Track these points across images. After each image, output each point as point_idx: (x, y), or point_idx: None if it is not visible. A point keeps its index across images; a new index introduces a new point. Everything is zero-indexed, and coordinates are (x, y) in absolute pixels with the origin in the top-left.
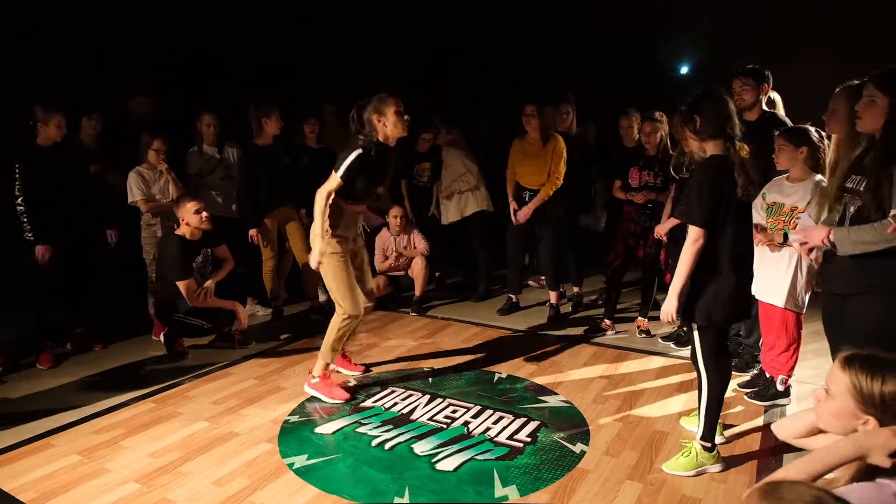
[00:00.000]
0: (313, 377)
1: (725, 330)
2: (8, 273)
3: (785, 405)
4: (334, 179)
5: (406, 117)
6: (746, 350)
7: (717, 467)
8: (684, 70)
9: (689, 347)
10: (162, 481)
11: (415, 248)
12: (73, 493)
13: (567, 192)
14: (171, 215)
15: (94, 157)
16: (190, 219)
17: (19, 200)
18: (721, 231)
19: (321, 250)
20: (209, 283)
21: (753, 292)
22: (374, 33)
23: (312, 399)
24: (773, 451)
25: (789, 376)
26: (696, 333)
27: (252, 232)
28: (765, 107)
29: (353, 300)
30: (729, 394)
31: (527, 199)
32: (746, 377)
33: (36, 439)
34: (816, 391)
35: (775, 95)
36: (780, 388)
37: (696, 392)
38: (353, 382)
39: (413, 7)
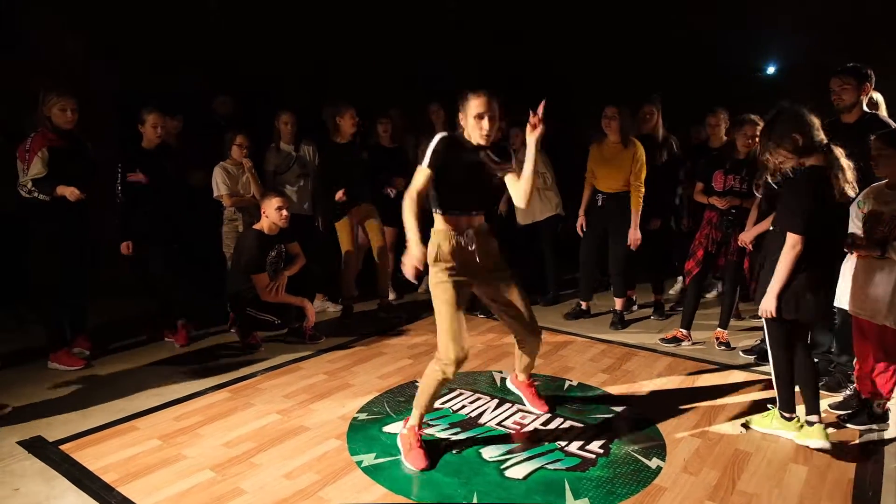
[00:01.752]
0: (404, 428)
1: (802, 327)
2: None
3: (882, 430)
4: (420, 171)
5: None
6: (838, 369)
7: (792, 435)
8: (771, 70)
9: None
10: (235, 471)
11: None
12: (152, 477)
13: (649, 196)
14: (252, 211)
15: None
16: (271, 214)
17: (118, 197)
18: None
19: (431, 285)
20: (281, 277)
21: (847, 307)
22: (442, 36)
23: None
24: (871, 477)
25: (888, 399)
26: (764, 323)
27: (338, 224)
28: (866, 108)
29: (449, 342)
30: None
31: (599, 203)
32: (839, 398)
33: (120, 422)
34: None
35: (878, 96)
36: (877, 411)
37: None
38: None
39: (482, 9)
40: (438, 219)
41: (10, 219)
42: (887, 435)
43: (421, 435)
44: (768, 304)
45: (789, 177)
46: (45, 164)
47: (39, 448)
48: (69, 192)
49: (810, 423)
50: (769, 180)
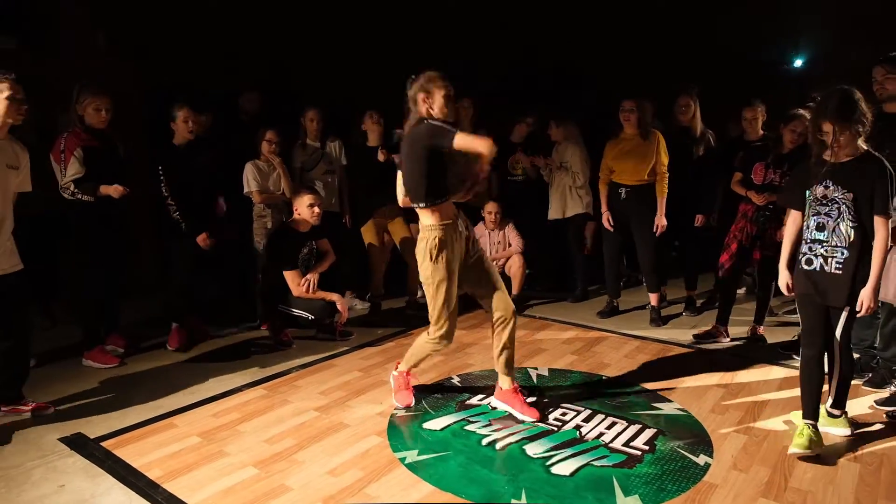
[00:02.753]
0: (395, 370)
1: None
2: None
3: None
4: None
5: (452, 101)
6: (884, 364)
7: (846, 431)
8: (798, 63)
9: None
10: (278, 468)
11: (509, 244)
12: (196, 474)
13: (683, 189)
14: (282, 207)
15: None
16: (303, 211)
17: (169, 199)
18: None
19: (427, 277)
20: (313, 274)
21: (892, 301)
22: (468, 32)
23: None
24: None
25: None
26: (845, 316)
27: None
28: None
29: (446, 322)
30: (864, 410)
31: (622, 196)
32: (885, 394)
33: (159, 419)
34: None
35: None
36: None
37: (828, 380)
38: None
39: (510, 5)
40: (426, 213)
41: (41, 220)
42: None
43: (409, 380)
44: (870, 298)
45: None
46: (81, 163)
47: (81, 445)
48: (113, 190)
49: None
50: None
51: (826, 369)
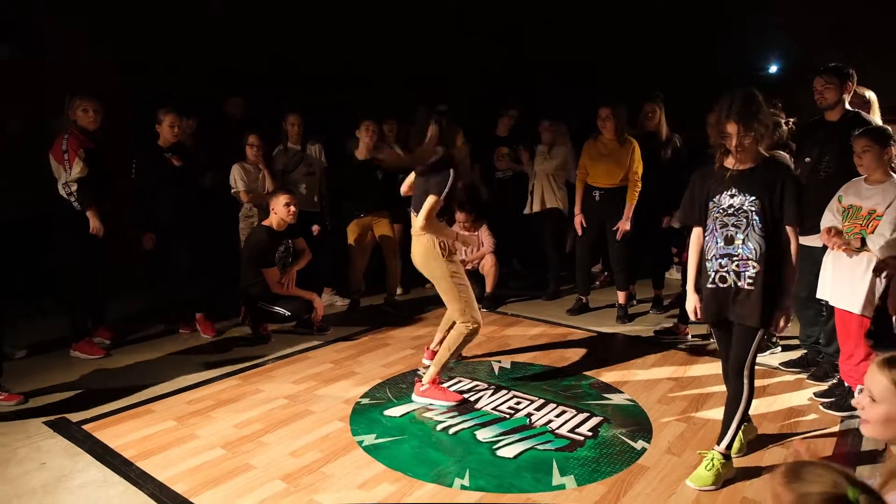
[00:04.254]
0: (423, 385)
1: None
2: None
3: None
4: (435, 201)
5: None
6: (826, 359)
7: (732, 475)
8: (773, 69)
9: (739, 355)
10: (245, 448)
11: (482, 244)
12: (168, 454)
13: (651, 193)
14: (268, 208)
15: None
16: (280, 210)
17: (137, 192)
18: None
19: (441, 274)
20: (291, 272)
21: (828, 299)
22: (454, 30)
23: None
24: (847, 460)
25: None
26: (758, 338)
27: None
28: (848, 106)
29: (477, 310)
30: (803, 402)
31: (596, 198)
32: (824, 387)
33: (138, 405)
34: (858, 399)
35: (871, 95)
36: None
37: (727, 404)
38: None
39: (497, 7)
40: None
41: (32, 219)
42: None
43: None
44: (787, 317)
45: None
46: (85, 164)
47: (64, 428)
48: (94, 224)
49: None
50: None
51: (726, 404)
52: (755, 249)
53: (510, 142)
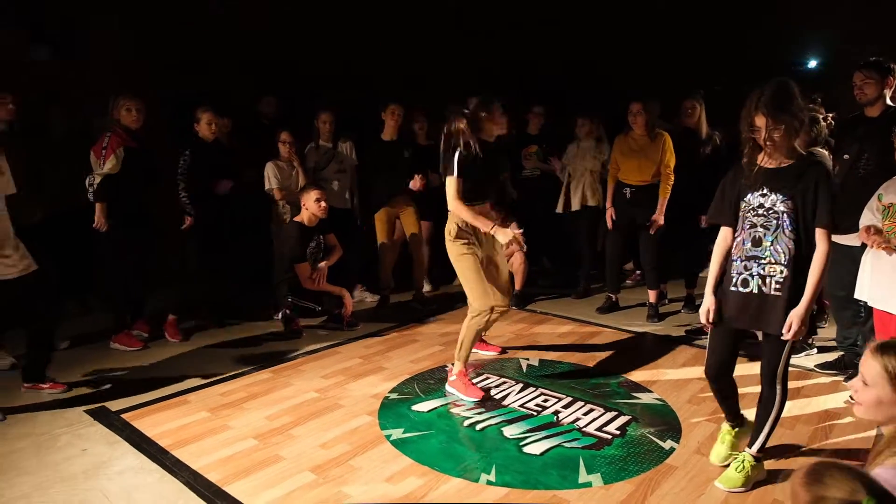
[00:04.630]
0: (451, 376)
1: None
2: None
3: None
4: (451, 182)
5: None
6: None
7: (762, 477)
8: (812, 64)
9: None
10: (275, 440)
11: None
12: (202, 443)
13: (688, 190)
14: (300, 204)
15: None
16: (310, 206)
17: (181, 178)
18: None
19: (453, 256)
20: (322, 266)
21: (867, 299)
22: (486, 26)
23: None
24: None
25: None
26: (787, 350)
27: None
28: (889, 101)
29: (482, 296)
30: (839, 405)
31: (627, 195)
32: None
33: (174, 396)
34: (852, 382)
35: None
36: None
37: (760, 408)
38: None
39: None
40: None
41: (80, 215)
42: None
43: (469, 375)
44: (801, 320)
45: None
46: (119, 161)
47: (104, 416)
48: (98, 219)
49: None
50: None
51: (758, 407)
52: (784, 253)
53: (541, 140)
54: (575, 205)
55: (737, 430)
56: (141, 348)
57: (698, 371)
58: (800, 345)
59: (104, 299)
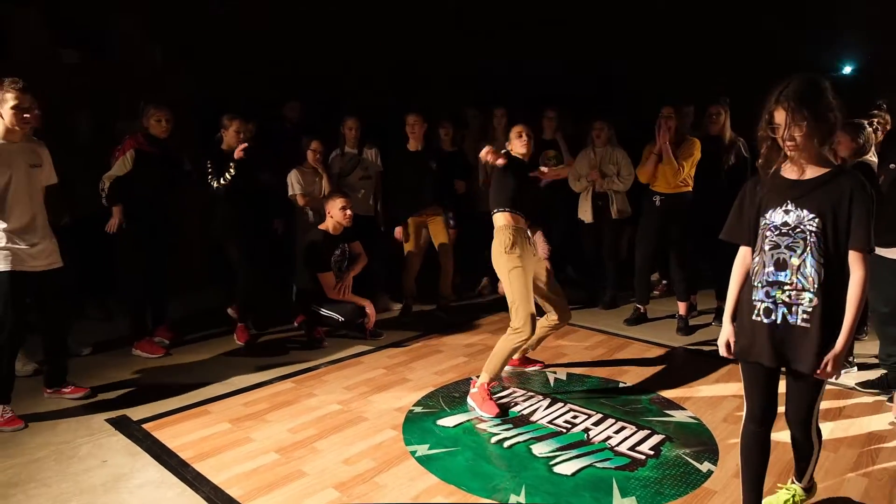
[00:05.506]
0: (474, 388)
1: None
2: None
3: None
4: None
5: (525, 139)
6: None
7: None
8: (847, 70)
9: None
10: (298, 454)
11: (536, 251)
12: (223, 456)
13: (715, 198)
14: (325, 213)
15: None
16: (335, 213)
17: (219, 191)
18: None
19: (504, 270)
20: (347, 278)
21: None
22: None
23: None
24: None
25: None
26: (822, 390)
27: (397, 230)
28: None
29: (527, 314)
30: (884, 426)
31: (657, 203)
32: None
33: (195, 406)
34: None
35: None
36: None
37: (796, 454)
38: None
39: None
40: (501, 217)
41: (99, 218)
42: None
43: (490, 390)
44: (837, 361)
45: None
46: (128, 164)
47: (125, 426)
48: (112, 221)
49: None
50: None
51: (794, 452)
52: (813, 278)
53: (557, 145)
54: (587, 216)
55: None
56: (163, 355)
57: (733, 388)
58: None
59: (123, 302)
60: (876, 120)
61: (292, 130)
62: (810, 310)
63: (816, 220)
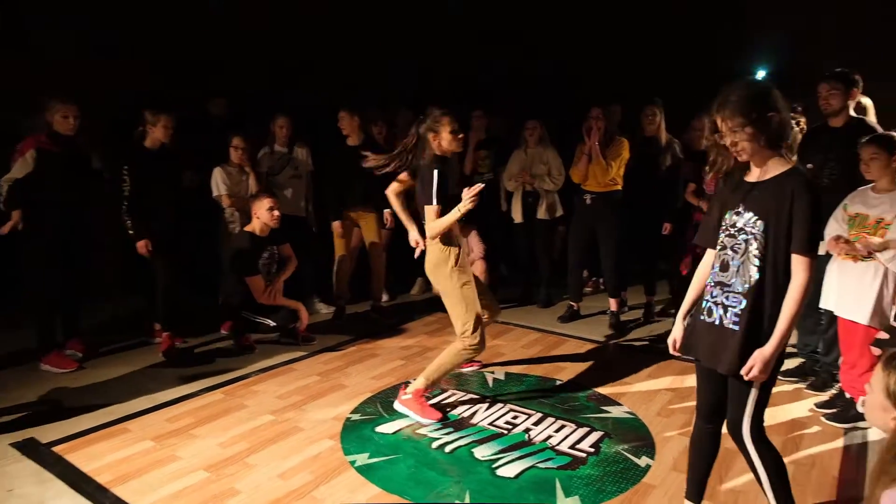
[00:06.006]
0: (406, 394)
1: None
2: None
3: (865, 428)
4: (433, 209)
5: (460, 136)
6: (824, 368)
7: None
8: (762, 74)
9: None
10: (229, 471)
11: (471, 250)
12: (146, 478)
13: (648, 198)
14: (250, 213)
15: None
16: (262, 214)
17: (125, 200)
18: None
19: (450, 285)
20: (277, 282)
21: (833, 308)
22: (438, 36)
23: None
24: (857, 475)
25: None
26: (752, 396)
27: (335, 224)
28: (853, 112)
29: (477, 328)
30: (804, 413)
31: (587, 202)
32: (824, 397)
33: (113, 424)
34: (868, 383)
35: (867, 101)
36: (860, 409)
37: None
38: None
39: (478, 9)
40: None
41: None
42: (870, 432)
43: (425, 396)
44: (769, 363)
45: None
46: (28, 165)
47: (33, 450)
48: (8, 224)
49: None
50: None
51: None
52: (746, 281)
53: (489, 145)
54: (517, 216)
55: None
56: (75, 369)
57: (665, 381)
58: (821, 382)
59: (28, 312)
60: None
61: (217, 128)
62: (739, 312)
63: (759, 221)
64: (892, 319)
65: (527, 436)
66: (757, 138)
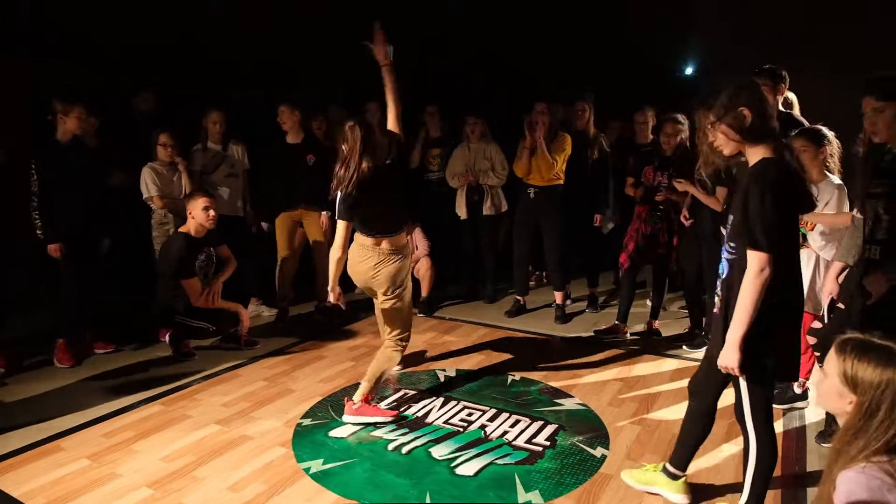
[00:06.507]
0: (354, 404)
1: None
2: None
3: (803, 408)
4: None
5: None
6: None
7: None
8: (689, 70)
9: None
10: (175, 486)
11: (416, 248)
12: (83, 499)
13: (583, 191)
14: (184, 214)
15: (95, 156)
16: (197, 214)
17: (34, 197)
18: (778, 255)
19: (398, 293)
20: (216, 284)
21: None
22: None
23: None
24: (797, 453)
25: (806, 379)
26: (743, 385)
27: (263, 224)
28: (781, 107)
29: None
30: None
31: (531, 196)
32: None
33: (43, 443)
34: (821, 369)
35: (792, 96)
36: (797, 391)
37: (742, 451)
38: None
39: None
40: (400, 238)
41: None
42: (807, 412)
43: (370, 399)
44: (730, 360)
45: (730, 173)
46: None
47: None
48: None
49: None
50: (700, 173)
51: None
52: (721, 273)
53: (442, 142)
54: (462, 212)
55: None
56: None
57: (613, 372)
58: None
59: None
60: None
61: (145, 124)
62: (718, 303)
63: (731, 215)
64: (824, 309)
65: (483, 432)
66: (733, 134)
